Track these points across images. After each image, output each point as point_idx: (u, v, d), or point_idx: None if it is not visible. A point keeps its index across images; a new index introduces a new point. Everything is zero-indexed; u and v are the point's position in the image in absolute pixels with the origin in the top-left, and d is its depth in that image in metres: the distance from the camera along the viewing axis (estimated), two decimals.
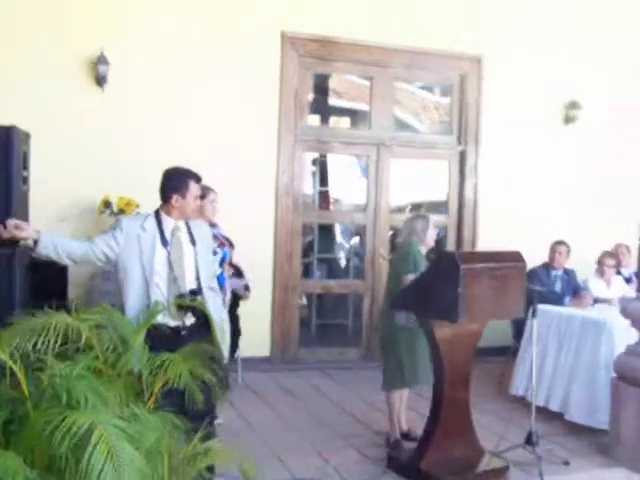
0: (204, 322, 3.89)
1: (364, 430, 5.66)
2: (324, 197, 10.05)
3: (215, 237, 5.38)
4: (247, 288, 6.68)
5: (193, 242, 4.02)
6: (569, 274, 7.04)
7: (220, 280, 5.34)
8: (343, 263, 10.21)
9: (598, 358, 5.66)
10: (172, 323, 3.90)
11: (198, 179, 4.03)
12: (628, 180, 8.87)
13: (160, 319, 3.84)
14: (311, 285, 8.37)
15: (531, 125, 8.38)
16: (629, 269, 7.66)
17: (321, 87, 10.02)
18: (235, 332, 6.55)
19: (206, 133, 7.09)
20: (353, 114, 10.52)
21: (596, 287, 7.00)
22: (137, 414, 2.94)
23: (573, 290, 6.87)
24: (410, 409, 5.66)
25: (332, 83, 10.21)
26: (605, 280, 7.11)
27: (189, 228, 4.05)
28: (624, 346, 5.49)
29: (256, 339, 7.13)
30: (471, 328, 4.52)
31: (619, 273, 7.38)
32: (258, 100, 7.34)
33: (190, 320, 3.93)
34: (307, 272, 9.26)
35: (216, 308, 4.06)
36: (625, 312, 5.15)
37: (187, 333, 3.92)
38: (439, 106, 9.70)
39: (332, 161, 10.08)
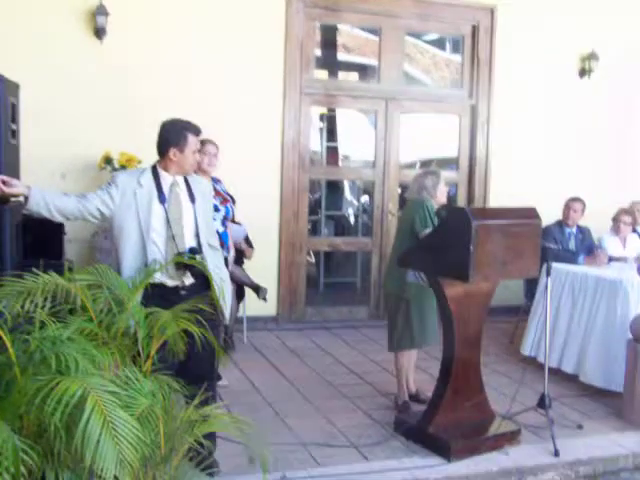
0: (204, 281, 3.72)
1: (372, 392, 5.53)
2: (332, 153, 9.82)
3: (217, 193, 5.21)
4: (247, 240, 6.52)
5: (192, 198, 3.82)
6: (583, 232, 6.83)
7: (223, 238, 5.18)
8: (352, 220, 10.04)
9: (614, 319, 5.48)
10: (170, 283, 3.73)
11: (197, 132, 3.82)
12: None
13: (158, 278, 3.68)
14: (318, 243, 8.20)
15: (546, 78, 8.11)
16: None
17: (329, 41, 9.74)
18: (241, 289, 6.41)
19: (208, 87, 6.87)
20: (362, 69, 10.23)
21: (611, 245, 6.80)
22: (130, 378, 2.79)
23: (587, 248, 6.66)
24: (419, 370, 5.53)
25: (340, 38, 9.92)
26: (621, 238, 6.90)
27: (188, 184, 3.85)
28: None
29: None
30: (483, 287, 4.34)
31: (634, 231, 7.16)
32: (262, 52, 7.10)
33: (189, 280, 3.76)
34: (315, 230, 9.11)
35: (216, 267, 3.88)
36: None
37: (186, 293, 3.75)
38: (450, 63, 9.39)
39: (341, 116, 9.83)
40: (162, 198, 3.72)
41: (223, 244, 5.10)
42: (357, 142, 9.77)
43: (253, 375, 5.82)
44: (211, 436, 3.65)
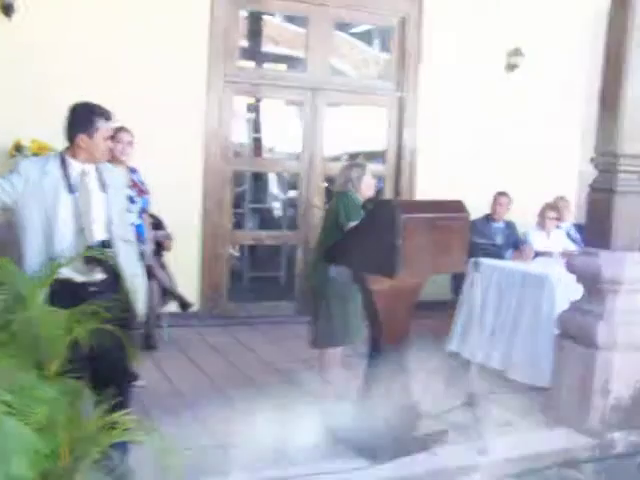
0: (115, 277, 3.48)
1: (297, 391, 5.34)
2: (257, 144, 9.64)
3: (134, 184, 4.94)
4: (169, 237, 6.32)
5: (103, 188, 3.56)
6: (510, 226, 6.81)
7: (140, 231, 4.92)
8: (277, 214, 9.85)
9: (540, 314, 5.45)
10: (79, 278, 3.47)
11: (108, 117, 3.56)
12: (569, 130, 8.69)
13: (65, 274, 3.41)
14: (242, 236, 7.99)
15: (473, 71, 8.06)
16: (567, 223, 7.49)
17: (256, 31, 9.53)
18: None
19: (127, 71, 6.57)
20: (289, 61, 10.03)
21: (537, 240, 6.79)
22: (26, 384, 2.54)
23: (514, 243, 6.64)
24: (345, 367, 5.37)
25: (267, 29, 9.73)
26: (546, 232, 6.90)
27: (99, 173, 3.59)
28: (567, 302, 5.29)
29: (184, 293, 6.69)
30: (410, 283, 4.19)
31: (559, 226, 7.17)
32: (186, 37, 6.83)
33: (100, 275, 3.51)
34: (239, 223, 8.89)
35: (130, 262, 3.64)
36: (571, 267, 4.90)
37: (96, 289, 3.50)
38: (379, 60, 9.28)
39: (266, 107, 9.65)
40: (70, 187, 3.46)
41: (140, 237, 4.86)
42: (283, 134, 9.58)
43: (173, 374, 5.57)
44: (120, 447, 3.40)
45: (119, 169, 4.16)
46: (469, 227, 4.38)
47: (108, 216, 3.54)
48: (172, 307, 6.55)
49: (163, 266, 6.30)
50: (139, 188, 5.02)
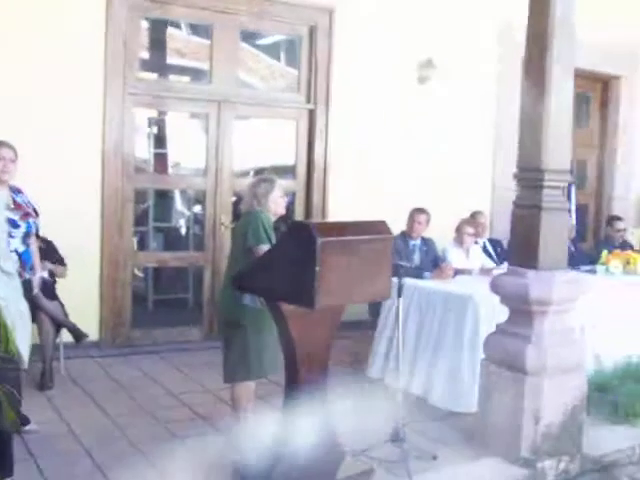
0: None
1: (207, 428, 4.92)
2: (161, 160, 9.13)
3: (17, 206, 4.44)
4: (62, 262, 5.83)
5: None
6: (427, 244, 6.56)
7: (24, 258, 4.42)
8: (182, 232, 9.36)
9: (462, 337, 5.21)
10: None
11: None
12: (482, 144, 8.58)
13: None
14: (145, 258, 7.47)
15: (385, 83, 7.85)
16: (484, 238, 7.33)
17: (158, 40, 9.03)
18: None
19: (11, 81, 6.00)
20: (194, 73, 9.57)
21: (455, 257, 6.58)
22: None
23: (432, 261, 6.39)
24: (259, 399, 4.97)
25: (171, 40, 9.25)
26: (464, 249, 6.70)
27: None
28: (490, 324, 5.06)
29: (82, 321, 6.12)
30: (330, 310, 3.84)
31: (476, 242, 6.99)
32: (80, 45, 6.32)
33: None
34: (142, 243, 8.40)
35: (9, 297, 3.16)
36: (495, 287, 4.65)
37: None
38: (287, 74, 8.93)
39: (171, 121, 9.16)
40: None
41: (24, 265, 4.36)
42: (188, 148, 9.11)
43: (70, 415, 5.04)
44: None
45: None
46: None
47: None
48: (68, 336, 6.02)
49: (54, 296, 5.77)
50: (23, 210, 4.50)
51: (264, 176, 4.74)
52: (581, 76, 9.33)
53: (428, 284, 5.67)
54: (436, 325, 5.38)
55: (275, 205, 4.52)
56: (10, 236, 4.31)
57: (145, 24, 7.17)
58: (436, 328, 5.38)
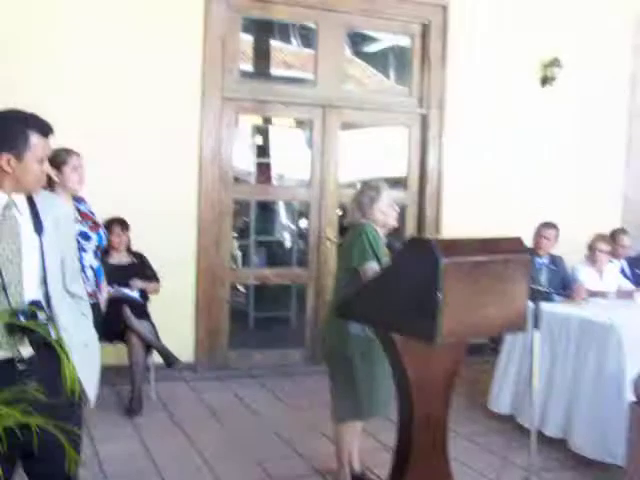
0: (54, 351, 2.50)
1: (305, 469, 4.34)
2: (264, 170, 8.70)
3: (85, 216, 3.99)
4: (155, 278, 5.45)
5: (38, 227, 2.59)
6: (556, 262, 5.80)
7: (99, 274, 3.97)
8: (285, 247, 8.89)
9: (604, 372, 4.43)
10: (0, 355, 2.50)
11: (45, 130, 2.59)
12: (612, 151, 7.72)
13: None
14: (244, 275, 6.99)
15: (505, 86, 7.13)
16: (621, 258, 6.41)
17: (258, 45, 8.62)
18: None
19: (108, 85, 5.68)
20: (296, 76, 9.11)
21: (587, 277, 5.79)
22: None
23: (562, 281, 5.64)
24: (366, 433, 4.37)
25: (272, 42, 8.84)
26: (597, 269, 5.90)
27: (33, 206, 2.63)
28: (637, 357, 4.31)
29: (176, 342, 5.71)
30: (453, 346, 3.21)
31: (611, 261, 6.15)
32: (176, 44, 5.94)
33: (29, 350, 2.54)
34: (243, 258, 7.97)
35: (77, 326, 2.67)
36: None
37: (26, 368, 2.53)
38: (396, 76, 8.33)
39: (272, 128, 8.73)
40: None
41: (99, 283, 3.92)
42: (291, 158, 8.64)
43: (155, 445, 4.59)
44: None
45: (61, 199, 3.20)
46: None
47: (44, 266, 2.57)
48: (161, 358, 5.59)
49: (145, 315, 5.35)
50: (92, 220, 4.04)
51: (369, 183, 4.11)
52: None
53: (560, 309, 4.92)
54: (572, 357, 4.63)
55: (383, 216, 3.91)
56: (82, 250, 3.88)
57: (245, 24, 6.70)
58: (572, 360, 4.63)
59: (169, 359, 5.27)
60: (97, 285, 3.94)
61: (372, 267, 3.64)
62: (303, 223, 8.09)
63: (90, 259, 3.88)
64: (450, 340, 2.90)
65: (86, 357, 2.67)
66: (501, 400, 5.11)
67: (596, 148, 7.55)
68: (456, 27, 6.91)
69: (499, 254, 3.04)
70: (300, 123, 8.14)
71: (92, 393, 2.70)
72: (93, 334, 2.79)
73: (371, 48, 9.02)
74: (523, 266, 3.13)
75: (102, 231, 4.12)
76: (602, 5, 7.46)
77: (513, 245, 3.16)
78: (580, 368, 4.57)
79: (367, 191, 3.95)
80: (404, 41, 7.18)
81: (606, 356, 4.44)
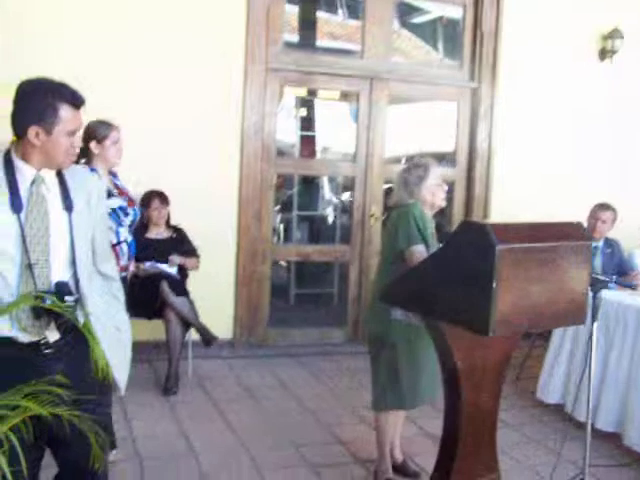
0: (82, 335, 2.36)
1: (345, 456, 4.18)
2: (308, 144, 8.51)
3: (121, 191, 3.85)
4: (195, 253, 5.33)
5: (68, 205, 2.44)
6: (613, 246, 5.51)
7: (133, 249, 3.85)
8: (329, 223, 8.70)
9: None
10: (25, 338, 2.36)
11: (76, 101, 2.43)
12: None
13: (4, 332, 2.33)
14: (285, 251, 6.83)
15: (561, 59, 6.81)
16: None
17: (304, 13, 8.37)
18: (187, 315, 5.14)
19: (148, 56, 5.53)
20: (344, 47, 8.85)
21: None
22: None
23: (618, 267, 5.37)
24: (407, 420, 4.21)
25: (318, 12, 8.57)
26: None
27: (63, 182, 2.48)
28: None
29: (215, 318, 5.60)
30: (503, 337, 3.01)
31: None
32: (218, 14, 5.72)
33: (56, 334, 2.40)
34: (285, 233, 7.83)
35: (107, 310, 2.53)
36: None
37: (54, 353, 2.40)
38: (447, 48, 8.03)
39: (318, 101, 8.52)
40: (16, 203, 2.35)
41: (131, 255, 3.80)
42: (336, 131, 8.42)
43: (191, 427, 4.48)
44: None
45: (92, 173, 3.05)
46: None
47: (73, 245, 2.43)
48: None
49: (184, 291, 5.22)
50: (128, 196, 3.89)
51: (416, 160, 3.87)
52: None
53: (616, 296, 4.66)
54: (629, 348, 4.39)
55: (432, 196, 3.69)
56: (119, 225, 3.74)
57: None
58: (628, 352, 4.38)
59: (207, 337, 5.15)
60: (129, 259, 3.80)
61: (419, 250, 3.44)
62: (347, 198, 7.90)
63: (125, 234, 3.75)
64: (504, 332, 2.71)
65: (116, 342, 2.54)
66: (551, 389, 4.89)
67: None
68: None
69: (558, 240, 2.83)
70: (345, 96, 7.90)
71: (123, 379, 2.56)
72: (124, 317, 2.65)
73: (420, 19, 8.70)
74: (583, 253, 2.91)
75: (137, 207, 3.97)
76: None
77: (573, 230, 2.94)
78: (637, 359, 4.33)
79: (414, 169, 3.72)
80: (455, 11, 6.86)
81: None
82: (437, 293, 2.84)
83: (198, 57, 5.65)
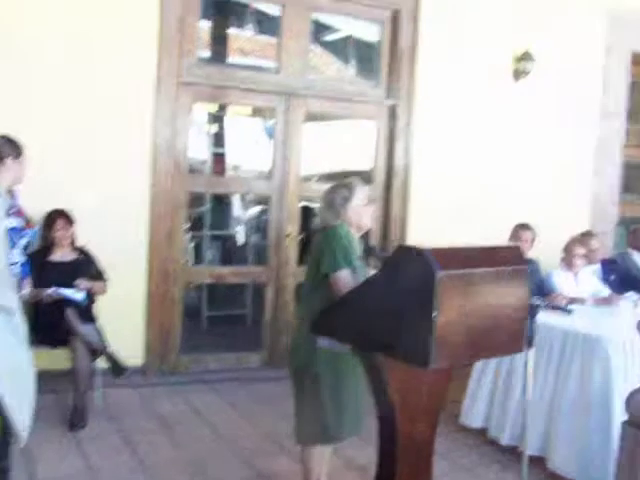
0: None
1: None
2: (220, 161, 8.27)
3: (19, 211, 3.53)
4: (102, 277, 5.01)
5: None
6: (532, 265, 5.46)
7: (25, 271, 3.52)
8: (242, 243, 8.47)
9: (589, 388, 4.13)
10: None
11: None
12: (583, 149, 7.47)
13: None
14: (198, 273, 6.49)
15: (476, 78, 6.79)
16: (591, 262, 6.10)
17: (219, 26, 8.17)
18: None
19: (52, 68, 5.20)
20: (259, 63, 8.66)
21: (563, 282, 5.50)
22: None
23: (537, 287, 5.32)
24: (337, 451, 4.00)
25: (233, 24, 8.40)
26: (573, 273, 5.61)
27: None
28: (626, 373, 4.05)
29: (125, 344, 5.28)
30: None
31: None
32: (129, 26, 5.44)
33: None
34: (197, 254, 7.55)
35: (5, 347, 2.24)
36: None
37: None
38: (364, 65, 7.95)
39: (232, 117, 8.30)
40: None
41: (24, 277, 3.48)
42: (251, 148, 8.21)
43: (101, 465, 4.15)
44: None
45: None
46: None
47: None
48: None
49: (91, 318, 4.89)
50: (25, 217, 3.57)
51: (342, 181, 3.70)
52: None
53: (541, 317, 4.57)
54: (553, 370, 4.32)
55: (358, 216, 3.48)
56: (13, 246, 3.42)
57: (205, 6, 6.25)
58: (553, 374, 4.32)
59: (117, 368, 4.81)
60: (22, 280, 3.47)
61: (345, 275, 3.24)
62: (261, 217, 7.69)
63: (18, 255, 3.42)
64: (444, 364, 2.55)
65: (16, 384, 2.25)
66: (475, 413, 4.79)
67: (568, 146, 7.29)
68: (427, 15, 6.55)
69: (498, 265, 2.70)
70: (259, 112, 7.73)
71: (23, 425, 2.28)
72: (26, 353, 2.36)
73: (337, 36, 8.63)
74: (522, 279, 2.79)
75: (37, 228, 3.64)
76: (576, 1, 7.20)
77: (511, 255, 2.82)
78: (562, 382, 4.26)
79: (339, 189, 3.53)
80: (373, 29, 6.77)
81: (591, 371, 4.14)
82: (372, 323, 2.66)
83: (106, 70, 5.34)
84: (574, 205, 7.31)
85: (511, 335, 2.76)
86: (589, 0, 7.27)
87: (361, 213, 3.51)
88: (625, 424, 3.63)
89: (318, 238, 3.48)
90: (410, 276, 2.51)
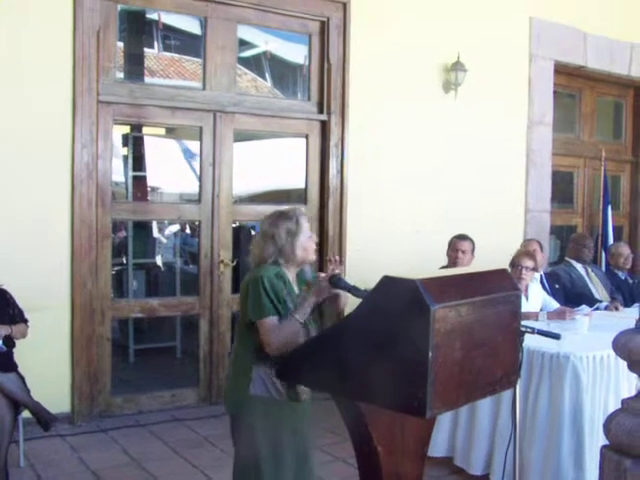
0: None
1: None
2: (139, 185, 7.78)
3: None
4: (22, 318, 4.52)
5: None
6: None
7: None
8: (171, 272, 8.00)
9: (560, 410, 3.91)
10: None
11: None
12: (515, 160, 7.38)
13: None
14: (126, 307, 6.01)
15: (408, 90, 6.62)
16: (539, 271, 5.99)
17: (139, 40, 7.71)
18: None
19: None
20: (183, 78, 8.23)
21: None
22: None
23: None
24: None
25: (154, 38, 7.92)
26: (522, 288, 5.40)
27: None
28: (594, 393, 3.85)
29: (50, 391, 4.85)
30: None
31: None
32: (41, 40, 5.00)
33: None
34: (121, 287, 7.08)
35: None
36: (622, 348, 3.36)
37: None
38: (294, 78, 7.65)
39: (155, 137, 7.85)
40: None
41: None
42: (177, 170, 7.77)
43: None
44: None
45: None
46: None
47: None
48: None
49: (11, 366, 4.38)
50: None
51: (282, 211, 3.17)
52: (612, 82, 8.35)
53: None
54: (521, 395, 4.08)
55: (304, 252, 3.06)
56: None
57: (123, 15, 5.84)
58: (522, 397, 4.07)
59: (45, 419, 4.32)
60: None
61: (271, 322, 2.84)
62: (192, 244, 7.26)
63: None
64: (442, 411, 2.23)
65: None
66: (438, 443, 4.51)
67: (499, 156, 7.20)
68: (357, 26, 6.32)
69: (489, 293, 2.40)
70: (184, 131, 7.32)
71: None
72: None
73: (264, 50, 8.30)
74: (514, 306, 2.50)
75: None
76: (500, 11, 7.14)
77: (500, 279, 2.53)
78: (531, 408, 4.03)
79: (283, 222, 3.06)
80: (301, 41, 6.48)
81: (562, 393, 3.92)
82: (353, 367, 2.32)
83: (16, 87, 4.87)
84: (507, 216, 7.20)
85: (506, 368, 2.47)
86: (512, 10, 7.21)
87: (307, 247, 3.08)
88: (605, 449, 3.40)
89: (246, 280, 3.02)
90: (399, 311, 2.19)
